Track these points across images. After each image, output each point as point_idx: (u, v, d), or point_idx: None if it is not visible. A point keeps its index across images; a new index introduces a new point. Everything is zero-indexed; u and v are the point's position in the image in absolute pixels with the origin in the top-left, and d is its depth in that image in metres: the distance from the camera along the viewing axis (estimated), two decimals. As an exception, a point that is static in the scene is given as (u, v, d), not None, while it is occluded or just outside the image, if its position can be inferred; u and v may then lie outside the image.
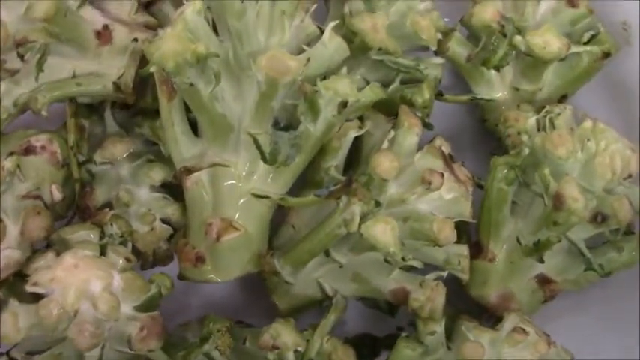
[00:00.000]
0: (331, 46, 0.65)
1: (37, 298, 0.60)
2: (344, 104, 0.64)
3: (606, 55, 0.75)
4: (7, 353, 0.63)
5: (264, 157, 0.66)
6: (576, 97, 0.80)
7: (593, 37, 0.76)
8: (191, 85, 0.63)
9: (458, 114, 0.86)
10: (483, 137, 0.83)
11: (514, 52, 0.74)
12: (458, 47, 0.77)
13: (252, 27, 0.64)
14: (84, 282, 0.60)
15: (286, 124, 0.66)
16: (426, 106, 0.74)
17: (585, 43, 0.76)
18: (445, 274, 0.71)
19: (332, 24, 0.65)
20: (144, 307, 0.63)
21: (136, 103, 0.73)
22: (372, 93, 0.66)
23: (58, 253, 0.64)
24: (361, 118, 0.72)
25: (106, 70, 0.71)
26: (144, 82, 0.73)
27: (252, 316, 0.74)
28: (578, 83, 0.78)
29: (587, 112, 0.73)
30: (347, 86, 0.64)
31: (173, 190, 0.74)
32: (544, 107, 0.73)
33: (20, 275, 0.64)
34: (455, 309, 0.72)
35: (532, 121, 0.72)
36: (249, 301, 0.80)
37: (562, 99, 0.78)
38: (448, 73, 0.82)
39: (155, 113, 0.71)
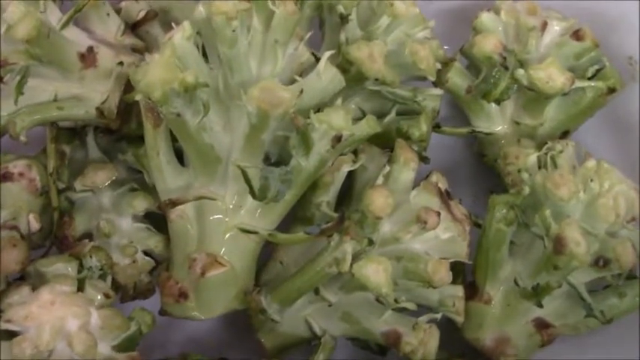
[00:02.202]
0: (326, 77, 0.62)
1: (10, 335, 0.57)
2: (338, 138, 0.62)
3: (611, 90, 0.74)
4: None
5: (254, 192, 0.63)
6: (578, 133, 0.78)
7: (598, 71, 0.74)
8: (178, 115, 0.60)
9: (455, 147, 0.84)
10: (481, 171, 0.82)
11: (516, 85, 0.72)
12: (457, 78, 0.76)
13: (244, 55, 0.61)
14: (60, 320, 0.57)
15: (277, 158, 0.64)
16: (423, 140, 0.73)
17: (590, 78, 0.74)
18: (439, 316, 0.69)
19: (327, 54, 0.63)
20: (122, 347, 0.60)
21: (120, 129, 0.71)
22: (368, 127, 0.64)
23: (34, 288, 0.61)
24: (355, 152, 0.70)
25: (89, 94, 0.68)
26: (128, 107, 0.70)
27: (236, 354, 0.72)
28: (581, 119, 0.77)
29: (588, 148, 0.71)
30: (341, 119, 0.62)
31: (156, 219, 0.72)
32: (545, 143, 0.71)
33: (-7, 310, 0.61)
34: (448, 353, 0.70)
35: (533, 158, 0.70)
36: (233, 338, 0.78)
37: (564, 134, 0.76)
38: (446, 103, 0.80)
39: (140, 139, 0.69)
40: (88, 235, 0.70)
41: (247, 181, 0.63)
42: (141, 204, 0.71)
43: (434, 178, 0.68)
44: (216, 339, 0.78)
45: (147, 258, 0.71)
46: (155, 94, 0.58)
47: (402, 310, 0.68)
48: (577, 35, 0.73)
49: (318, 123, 0.61)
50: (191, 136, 0.62)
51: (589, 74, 0.74)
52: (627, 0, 0.76)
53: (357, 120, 0.64)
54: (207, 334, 0.78)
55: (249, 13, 0.61)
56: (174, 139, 0.65)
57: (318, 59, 0.64)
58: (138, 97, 0.61)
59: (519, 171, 0.69)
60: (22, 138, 0.65)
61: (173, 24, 0.62)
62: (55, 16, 0.67)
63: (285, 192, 0.64)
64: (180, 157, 0.67)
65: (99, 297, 0.61)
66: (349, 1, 0.71)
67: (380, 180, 0.67)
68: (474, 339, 0.71)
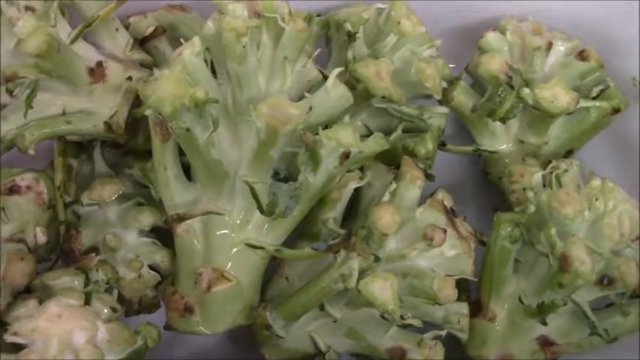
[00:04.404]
0: (334, 94, 0.63)
1: (17, 348, 0.57)
2: (346, 155, 0.62)
3: (615, 110, 0.74)
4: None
5: (262, 207, 0.64)
6: (581, 152, 0.79)
7: (602, 91, 0.75)
8: (187, 130, 0.60)
9: (459, 164, 0.84)
10: (485, 189, 0.82)
11: (521, 104, 0.72)
12: (463, 97, 0.76)
13: (253, 72, 0.62)
14: (67, 333, 0.57)
15: (286, 174, 0.64)
16: (429, 157, 0.73)
17: (594, 98, 0.75)
18: (444, 333, 0.69)
19: (336, 71, 0.63)
20: (128, 361, 0.60)
21: (126, 143, 0.71)
22: (375, 144, 0.64)
23: (40, 301, 0.61)
24: (361, 168, 0.70)
25: (98, 108, 0.68)
26: (136, 122, 0.70)
27: (240, 369, 0.72)
28: (585, 138, 0.77)
29: (591, 167, 0.72)
30: (349, 136, 0.62)
31: (162, 233, 0.72)
32: (550, 162, 0.71)
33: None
34: (453, 370, 0.70)
35: (538, 177, 0.70)
36: (237, 353, 0.77)
37: (568, 154, 0.77)
38: (450, 121, 0.80)
39: (146, 154, 0.69)
40: (94, 249, 0.70)
41: (255, 196, 0.63)
42: (147, 219, 0.71)
43: (439, 195, 0.68)
44: (219, 354, 0.77)
45: (152, 272, 0.71)
46: (165, 109, 0.58)
47: (407, 327, 0.68)
48: (582, 56, 0.73)
49: (326, 139, 0.61)
50: (200, 151, 0.62)
51: (593, 94, 0.75)
52: (631, 21, 0.77)
53: (363, 137, 0.64)
54: (210, 350, 0.77)
55: (259, 30, 0.61)
56: (181, 154, 0.65)
57: (325, 76, 0.64)
58: (147, 112, 0.61)
59: (524, 189, 0.70)
60: (31, 151, 0.65)
61: (182, 40, 0.62)
62: (64, 31, 0.67)
63: (293, 207, 0.64)
64: (187, 171, 0.67)
65: (105, 310, 0.61)
66: (357, 19, 0.72)
67: (386, 197, 0.67)
68: (478, 356, 0.71)
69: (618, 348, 0.71)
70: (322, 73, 0.66)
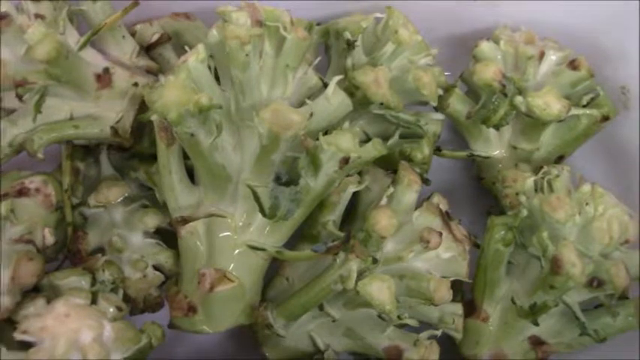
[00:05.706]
0: (334, 100, 0.64)
1: (25, 346, 0.58)
2: (345, 160, 0.63)
3: (605, 118, 0.76)
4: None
5: (264, 211, 0.65)
6: (571, 158, 0.80)
7: (592, 99, 0.76)
8: (192, 135, 0.62)
9: (454, 169, 0.86)
10: (479, 193, 0.83)
11: (514, 111, 0.74)
12: (458, 104, 0.78)
13: (256, 79, 0.63)
14: (74, 332, 0.58)
15: (287, 178, 0.65)
16: (425, 162, 0.75)
17: (584, 106, 0.76)
18: (439, 332, 0.70)
19: (336, 78, 0.64)
20: (134, 359, 0.61)
21: (132, 147, 0.72)
22: (374, 149, 0.66)
23: (48, 300, 0.62)
24: (360, 173, 0.72)
25: (104, 113, 0.69)
26: (141, 126, 0.72)
27: (241, 368, 0.73)
28: (575, 144, 0.79)
29: (583, 173, 0.73)
30: (349, 142, 0.64)
31: (166, 234, 0.73)
32: (541, 167, 0.73)
33: (8, 321, 0.62)
34: (447, 369, 0.72)
35: (530, 182, 0.71)
36: (238, 352, 0.78)
37: (559, 159, 0.79)
38: (446, 127, 0.82)
39: (151, 158, 0.71)
40: (101, 250, 0.72)
41: (257, 199, 0.65)
42: (152, 220, 0.72)
43: (435, 199, 0.70)
44: (220, 353, 0.79)
45: (157, 273, 0.72)
46: (171, 115, 0.59)
47: (404, 327, 0.70)
48: (573, 65, 0.75)
49: (326, 145, 0.63)
50: (203, 155, 0.64)
51: (584, 102, 0.76)
52: (621, 31, 0.79)
53: (362, 143, 0.66)
54: (211, 348, 0.79)
55: (262, 38, 0.63)
56: (185, 158, 0.67)
57: (325, 84, 0.66)
58: (153, 117, 0.62)
59: (517, 194, 0.71)
60: (40, 155, 0.66)
61: (186, 47, 0.64)
62: (73, 38, 0.68)
63: (294, 211, 0.66)
64: (190, 175, 0.68)
65: (111, 310, 0.62)
66: (355, 28, 0.73)
67: (384, 201, 0.69)
68: (472, 355, 0.73)
69: (618, 348, 0.73)
70: (322, 80, 0.67)
